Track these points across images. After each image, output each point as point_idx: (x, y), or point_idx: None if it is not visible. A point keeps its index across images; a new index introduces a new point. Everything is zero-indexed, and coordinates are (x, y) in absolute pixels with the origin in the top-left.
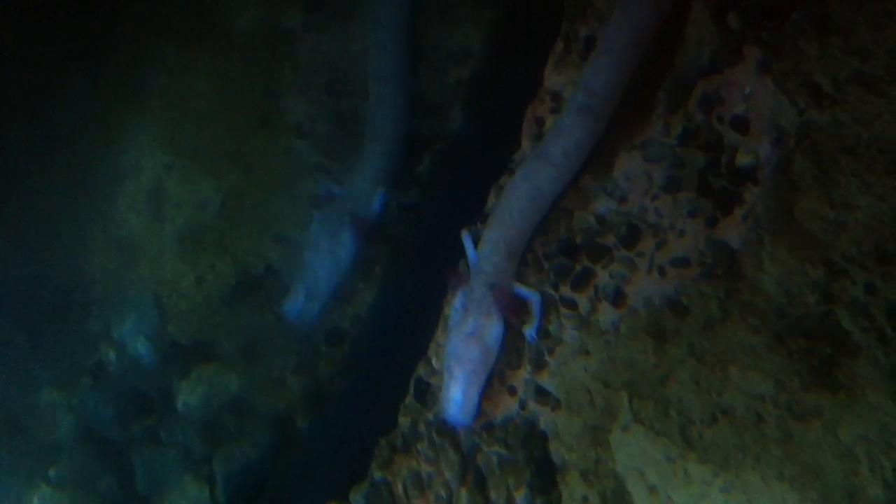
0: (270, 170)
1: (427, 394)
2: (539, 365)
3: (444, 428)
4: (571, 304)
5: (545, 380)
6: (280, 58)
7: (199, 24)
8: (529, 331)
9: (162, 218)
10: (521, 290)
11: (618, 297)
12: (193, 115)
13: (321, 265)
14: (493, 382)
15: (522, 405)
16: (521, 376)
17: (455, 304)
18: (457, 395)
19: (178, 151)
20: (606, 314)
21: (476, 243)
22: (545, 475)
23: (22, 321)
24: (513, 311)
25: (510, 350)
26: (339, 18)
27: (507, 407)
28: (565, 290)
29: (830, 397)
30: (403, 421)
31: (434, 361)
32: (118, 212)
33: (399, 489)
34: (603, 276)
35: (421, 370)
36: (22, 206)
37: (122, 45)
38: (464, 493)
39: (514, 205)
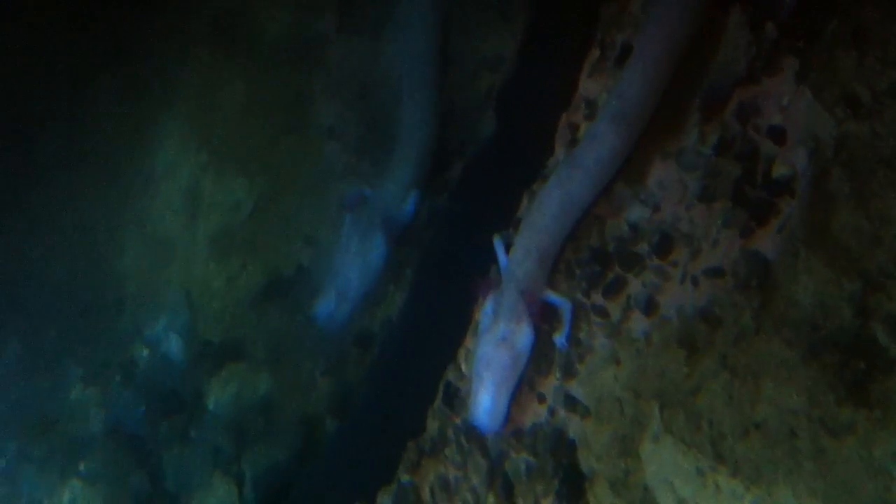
0: (302, 172)
1: (456, 398)
2: (569, 372)
3: (473, 433)
4: (602, 313)
5: (574, 388)
6: (312, 62)
7: (231, 28)
8: (560, 338)
9: (196, 218)
10: (552, 296)
11: (649, 307)
12: (225, 117)
13: (352, 267)
14: (523, 389)
15: (552, 412)
16: (551, 384)
17: (486, 309)
18: (486, 401)
19: (212, 152)
20: (638, 323)
21: (508, 249)
22: (573, 484)
23: (55, 318)
24: (543, 317)
25: (540, 357)
26: (372, 23)
27: (536, 414)
28: (597, 298)
29: (865, 413)
30: (432, 425)
31: (463, 366)
32: (152, 211)
33: (426, 493)
34: (635, 285)
35: (450, 375)
36: (55, 205)
37: (153, 48)
38: (491, 499)
39: (546, 211)
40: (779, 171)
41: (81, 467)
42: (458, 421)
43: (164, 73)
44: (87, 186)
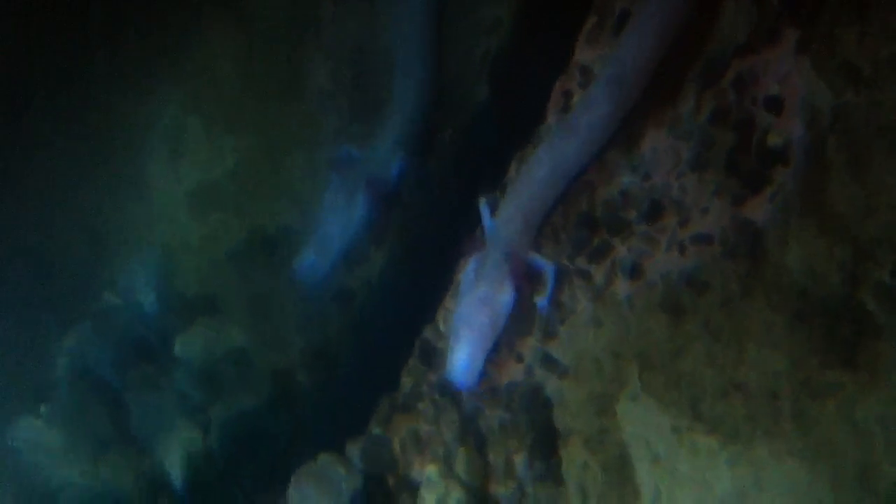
0: (291, 133)
1: (432, 356)
2: (549, 334)
3: (447, 389)
4: (587, 276)
5: (554, 348)
6: (306, 24)
7: None
8: (542, 300)
9: (178, 173)
10: (537, 259)
11: (635, 271)
12: (216, 78)
13: (334, 225)
14: (501, 349)
15: (529, 371)
16: (530, 344)
17: (467, 269)
18: (462, 357)
19: (199, 111)
20: (622, 287)
21: (494, 212)
22: (546, 440)
23: (31, 264)
24: (527, 279)
25: (521, 318)
26: None
27: (512, 373)
28: (581, 262)
29: (849, 376)
30: (406, 381)
31: (441, 326)
32: (134, 164)
33: (397, 446)
34: (621, 250)
35: (427, 333)
36: (37, 158)
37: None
38: (462, 453)
39: (535, 174)
40: (774, 140)
41: (42, 409)
42: (432, 378)
43: (158, 33)
44: (73, 135)
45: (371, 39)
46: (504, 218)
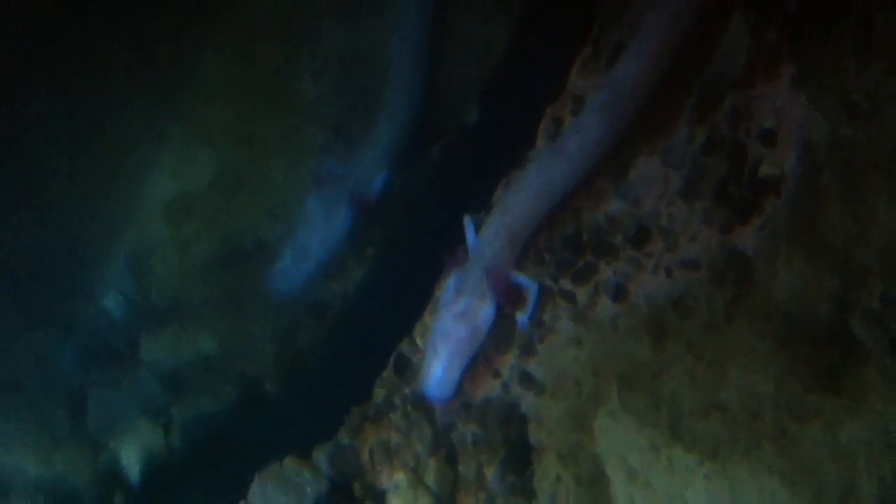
0: (274, 147)
1: (407, 370)
2: (528, 351)
3: (420, 402)
4: (570, 297)
5: (532, 366)
6: (298, 39)
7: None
8: (522, 317)
9: (154, 183)
10: (519, 277)
11: (619, 293)
12: (202, 88)
13: (313, 237)
14: (478, 364)
15: (505, 388)
16: (508, 361)
17: (448, 284)
18: (437, 371)
19: (180, 121)
20: (605, 309)
21: (478, 230)
22: (519, 455)
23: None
24: (508, 297)
25: (500, 335)
26: (363, 3)
27: (488, 388)
28: (565, 283)
29: (833, 400)
30: (379, 392)
31: (418, 340)
32: (112, 171)
33: (365, 455)
34: (606, 272)
35: (404, 347)
36: (16, 156)
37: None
38: (432, 464)
39: (522, 194)
40: (766, 171)
41: None
42: (406, 391)
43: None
44: (49, 141)
45: (364, 56)
46: (488, 235)
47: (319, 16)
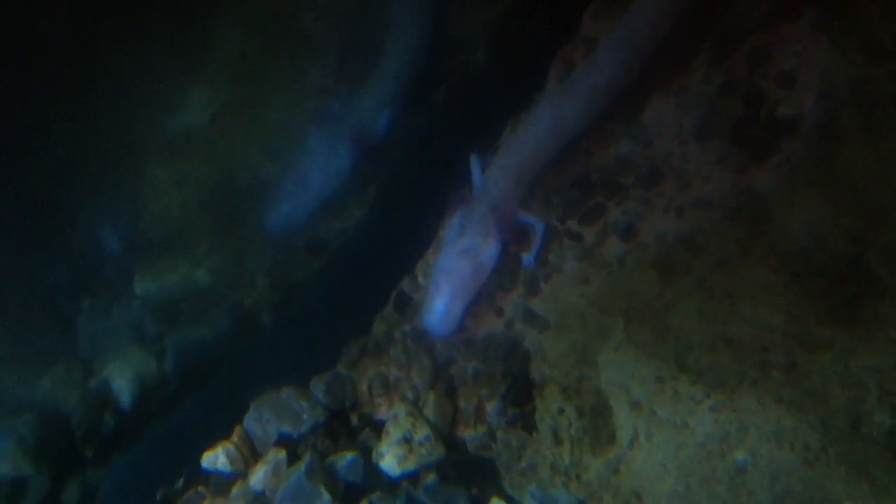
0: (275, 87)
1: (408, 307)
2: (532, 290)
3: (421, 337)
4: (577, 237)
5: (536, 304)
6: None
7: None
8: (528, 256)
9: (154, 119)
10: (525, 216)
11: (628, 232)
12: (202, 25)
13: (312, 174)
14: (481, 302)
15: (508, 325)
16: (511, 299)
17: (452, 222)
18: (439, 306)
19: (180, 61)
20: (613, 248)
21: (484, 169)
22: (521, 389)
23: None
24: (513, 235)
25: (504, 274)
26: None
27: (491, 325)
28: (572, 224)
29: (846, 332)
30: (378, 327)
31: (420, 279)
32: (112, 106)
33: (363, 386)
34: (615, 212)
35: (405, 285)
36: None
37: None
38: (431, 397)
39: (531, 132)
40: (784, 111)
41: None
42: (407, 327)
43: None
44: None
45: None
46: (495, 173)
47: None
